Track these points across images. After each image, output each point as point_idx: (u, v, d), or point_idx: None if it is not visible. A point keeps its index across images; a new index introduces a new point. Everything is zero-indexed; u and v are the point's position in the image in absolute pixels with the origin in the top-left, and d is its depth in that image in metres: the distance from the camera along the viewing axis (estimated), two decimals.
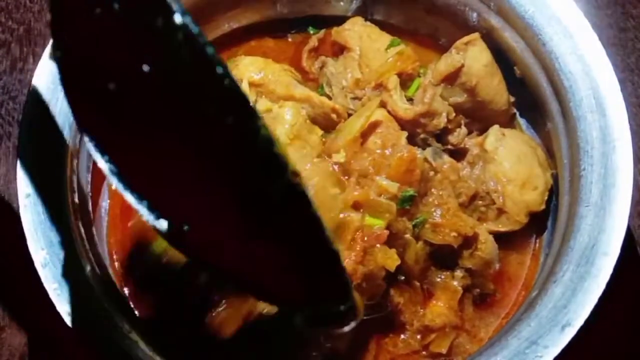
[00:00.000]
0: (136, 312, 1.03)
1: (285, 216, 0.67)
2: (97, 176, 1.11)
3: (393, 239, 1.05)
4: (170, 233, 0.70)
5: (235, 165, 0.67)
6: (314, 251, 0.69)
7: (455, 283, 1.12)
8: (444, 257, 1.12)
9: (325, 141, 1.11)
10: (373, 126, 1.09)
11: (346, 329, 0.78)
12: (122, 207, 1.15)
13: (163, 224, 0.69)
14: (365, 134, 1.08)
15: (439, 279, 1.12)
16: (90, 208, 1.08)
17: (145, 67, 0.65)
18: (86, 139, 0.72)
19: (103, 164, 0.72)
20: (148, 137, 0.69)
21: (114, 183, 0.71)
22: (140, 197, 0.70)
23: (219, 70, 0.64)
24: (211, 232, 0.71)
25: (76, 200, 1.03)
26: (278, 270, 0.71)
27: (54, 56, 0.73)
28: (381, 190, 1.04)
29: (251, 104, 0.65)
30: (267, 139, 0.64)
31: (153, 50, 0.66)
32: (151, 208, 0.70)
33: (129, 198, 0.70)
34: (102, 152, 0.72)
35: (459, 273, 1.12)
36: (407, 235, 1.07)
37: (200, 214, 0.70)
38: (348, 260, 0.99)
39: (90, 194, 1.08)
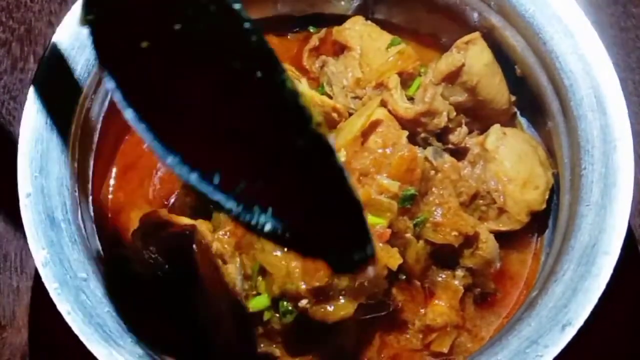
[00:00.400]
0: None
1: (310, 164, 0.70)
2: (99, 175, 1.11)
3: (394, 238, 1.05)
4: (200, 186, 0.71)
5: (263, 117, 0.71)
6: (338, 199, 0.71)
7: (456, 282, 1.12)
8: (444, 257, 1.12)
9: None
10: (374, 125, 1.08)
11: (370, 272, 0.78)
12: (122, 207, 1.16)
13: (193, 177, 0.70)
14: (365, 133, 1.08)
15: (440, 279, 1.12)
16: (91, 207, 1.08)
17: (177, 26, 0.70)
18: (117, 98, 0.73)
19: (135, 124, 0.73)
20: (179, 93, 0.72)
21: (147, 140, 0.72)
22: (170, 151, 0.71)
23: (247, 25, 0.69)
24: (241, 179, 0.71)
25: (77, 199, 1.03)
26: (304, 216, 0.72)
27: (86, 19, 0.74)
28: (382, 189, 1.04)
29: (277, 58, 0.69)
30: (292, 91, 0.68)
31: (183, 8, 0.71)
32: (181, 162, 0.71)
33: (160, 154, 0.71)
34: (134, 112, 0.73)
35: (459, 272, 1.12)
36: (408, 235, 1.07)
37: (228, 164, 0.71)
38: None
39: (91, 193, 1.08)
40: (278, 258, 1.00)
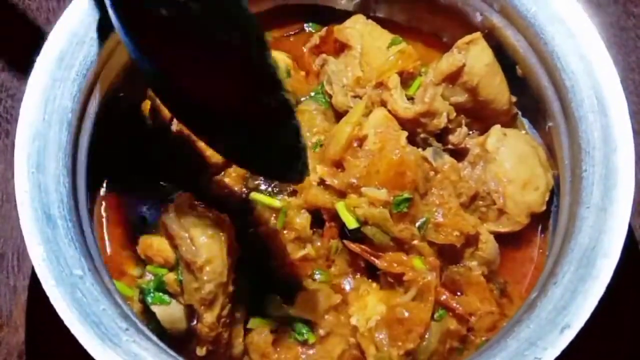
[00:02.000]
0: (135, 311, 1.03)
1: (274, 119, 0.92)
2: (95, 173, 1.11)
3: (403, 249, 1.07)
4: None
5: (244, 81, 0.91)
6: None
7: (476, 273, 1.11)
8: (447, 258, 1.11)
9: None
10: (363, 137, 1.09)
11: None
12: (119, 206, 1.16)
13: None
14: (361, 139, 1.08)
15: (458, 277, 1.11)
16: (88, 205, 1.07)
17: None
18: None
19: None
20: (182, 49, 0.89)
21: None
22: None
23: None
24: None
25: (74, 196, 1.02)
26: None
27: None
28: (372, 200, 1.04)
29: (265, 37, 0.87)
30: (271, 64, 0.87)
31: None
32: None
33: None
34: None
35: (474, 263, 1.11)
36: (416, 242, 1.07)
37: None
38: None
39: (88, 190, 1.08)
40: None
